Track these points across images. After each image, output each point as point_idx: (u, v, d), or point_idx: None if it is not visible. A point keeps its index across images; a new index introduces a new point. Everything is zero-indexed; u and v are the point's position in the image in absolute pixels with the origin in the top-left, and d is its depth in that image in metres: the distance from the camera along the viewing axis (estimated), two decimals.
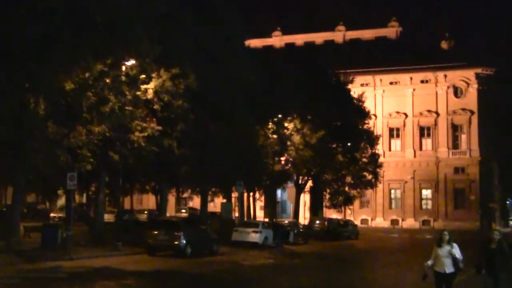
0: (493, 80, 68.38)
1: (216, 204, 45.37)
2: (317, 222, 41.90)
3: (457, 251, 11.33)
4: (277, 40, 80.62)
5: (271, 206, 46.21)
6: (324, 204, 50.04)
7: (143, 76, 24.11)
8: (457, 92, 67.40)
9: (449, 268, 11.30)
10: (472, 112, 66.42)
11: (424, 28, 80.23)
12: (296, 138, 40.02)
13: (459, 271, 11.49)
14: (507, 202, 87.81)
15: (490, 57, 69.58)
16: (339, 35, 79.68)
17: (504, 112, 70.95)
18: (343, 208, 54.12)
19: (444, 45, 73.07)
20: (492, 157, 69.82)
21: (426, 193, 67.83)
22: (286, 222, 38.16)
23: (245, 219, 38.96)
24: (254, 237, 30.04)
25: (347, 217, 55.70)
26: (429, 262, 11.50)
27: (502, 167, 77.72)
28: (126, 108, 23.24)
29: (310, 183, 46.69)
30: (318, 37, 79.50)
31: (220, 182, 33.72)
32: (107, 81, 22.37)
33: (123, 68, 23.22)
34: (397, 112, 68.49)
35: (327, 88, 42.66)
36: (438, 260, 11.38)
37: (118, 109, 22.71)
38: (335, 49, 74.40)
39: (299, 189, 45.47)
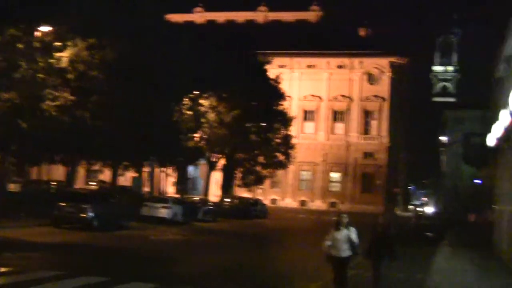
0: (405, 68, 71.37)
1: (127, 178, 45.10)
2: (227, 200, 42.78)
3: (354, 235, 11.29)
4: (198, 16, 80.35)
5: (182, 183, 46.57)
6: (235, 183, 50.85)
7: (58, 43, 23.70)
8: (371, 79, 69.83)
9: (345, 252, 11.27)
10: (384, 99, 69.08)
11: (344, 14, 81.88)
12: (211, 115, 40.40)
13: (355, 255, 11.51)
14: (410, 188, 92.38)
15: (404, 47, 72.40)
16: (260, 15, 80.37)
17: (414, 101, 74.34)
18: (254, 188, 55.20)
19: (361, 32, 75.30)
20: (400, 144, 73.13)
21: (336, 176, 70.18)
22: (197, 199, 38.71)
23: (156, 194, 39.11)
24: (163, 212, 30.40)
25: (258, 197, 56.86)
26: (328, 243, 11.36)
27: (408, 154, 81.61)
28: (38, 75, 22.82)
29: (222, 161, 47.26)
30: (240, 16, 79.87)
31: (131, 156, 33.65)
32: (19, 46, 21.88)
33: (37, 34, 22.74)
34: (312, 95, 70.27)
35: (244, 67, 43.11)
36: (336, 243, 11.28)
37: (30, 76, 22.28)
38: (256, 28, 74.98)
39: (211, 167, 45.98)
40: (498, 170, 36.58)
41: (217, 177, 51.50)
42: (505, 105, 28.25)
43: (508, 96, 26.95)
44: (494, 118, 34.68)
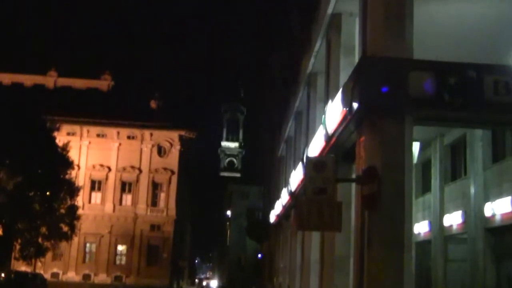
0: (194, 143, 73.76)
1: None
2: (2, 275, 39.76)
3: None
4: None
5: None
6: (13, 255, 47.42)
7: None
8: (161, 151, 70.76)
9: None
10: (172, 172, 70.19)
11: (135, 85, 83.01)
12: None
13: None
14: (196, 261, 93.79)
15: (193, 122, 75.19)
16: (50, 80, 77.97)
17: (203, 175, 76.81)
18: (33, 261, 51.88)
19: (153, 104, 76.45)
20: (186, 216, 74.41)
21: (121, 248, 68.80)
22: None
23: None
24: None
25: (38, 270, 53.47)
26: None
27: (193, 226, 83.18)
28: None
29: (0, 232, 44.00)
30: (28, 79, 76.62)
31: None
32: None
33: None
34: (101, 165, 69.07)
35: (30, 133, 41.41)
36: None
37: None
38: (44, 94, 72.52)
39: None
40: (277, 245, 39.04)
41: None
42: (285, 183, 30.71)
43: (288, 175, 29.38)
44: (276, 195, 37.33)
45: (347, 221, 13.48)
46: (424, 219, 25.92)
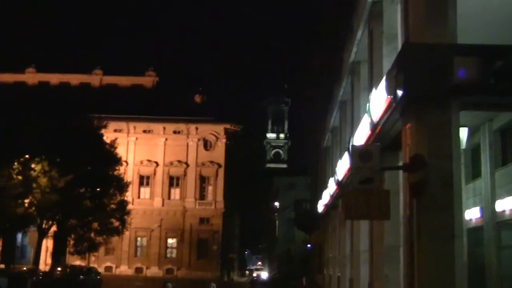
0: (239, 135, 74.12)
1: None
2: (59, 269, 40.91)
3: None
4: (30, 77, 77.73)
5: (9, 252, 43.74)
6: (68, 250, 48.73)
7: None
8: (207, 145, 71.42)
9: None
10: (219, 165, 70.75)
11: (179, 81, 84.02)
12: (43, 180, 38.85)
13: None
14: (245, 252, 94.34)
15: (238, 115, 75.61)
16: (95, 78, 79.56)
17: (249, 167, 77.04)
18: (87, 255, 53.14)
19: (197, 99, 77.25)
20: (234, 209, 74.92)
21: (172, 242, 69.88)
22: (25, 269, 36.61)
23: None
24: None
25: (91, 264, 54.79)
26: None
27: (242, 219, 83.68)
28: None
29: (54, 228, 45.24)
30: (74, 78, 78.45)
31: None
32: None
33: None
34: (149, 160, 70.17)
35: (79, 131, 42.35)
36: None
37: None
38: (91, 92, 74.07)
39: (42, 234, 43.78)
40: (326, 235, 38.99)
41: (48, 244, 49.06)
42: (332, 173, 30.66)
43: (334, 165, 29.33)
44: (323, 185, 37.28)
45: (396, 210, 13.45)
46: (475, 205, 25.46)
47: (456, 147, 11.34)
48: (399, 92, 11.58)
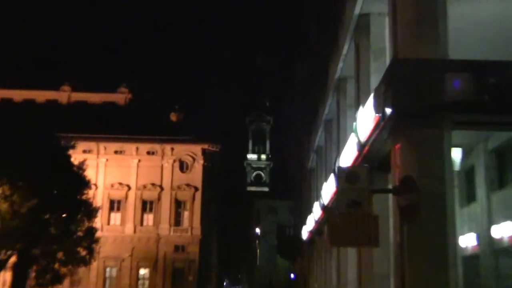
0: (218, 156, 74.00)
1: None
2: None
3: None
4: None
5: None
6: (28, 284, 47.91)
7: None
8: (183, 166, 71.09)
9: None
10: (196, 188, 70.36)
11: (154, 98, 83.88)
12: (3, 205, 38.31)
13: None
14: (224, 283, 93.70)
15: (217, 134, 75.58)
16: (63, 95, 79.19)
17: (228, 190, 76.97)
18: None
19: (173, 117, 77.11)
20: (212, 236, 74.55)
21: (144, 272, 69.03)
22: None
23: None
24: None
25: None
26: None
27: (220, 246, 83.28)
28: None
29: (14, 258, 44.47)
30: (40, 95, 77.92)
31: None
32: None
33: None
34: (120, 184, 69.64)
35: (43, 152, 41.91)
36: None
37: None
38: (58, 110, 73.51)
39: (0, 266, 43.04)
40: (311, 264, 38.89)
41: (5, 277, 48.23)
42: (317, 197, 30.66)
43: (319, 188, 29.34)
44: (307, 210, 37.26)
45: (386, 237, 13.46)
46: (470, 231, 25.53)
47: (449, 168, 11.39)
48: (388, 110, 11.63)
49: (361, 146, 14.53)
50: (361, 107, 14.63)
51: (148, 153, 71.03)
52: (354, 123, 14.94)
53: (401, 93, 11.29)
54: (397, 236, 12.01)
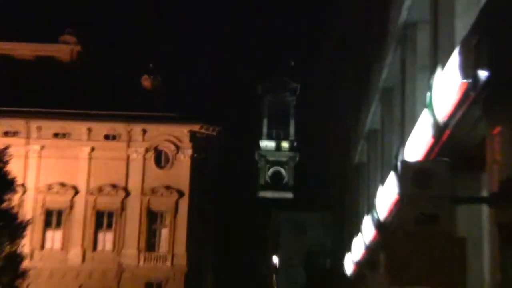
0: (215, 144, 73.69)
1: None
2: None
3: None
4: None
5: None
6: None
7: None
8: (160, 158, 71.16)
9: None
10: (181, 193, 70.30)
11: (116, 51, 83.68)
12: None
13: None
14: None
15: (213, 110, 75.51)
16: None
17: (222, 196, 76.89)
18: None
19: (146, 82, 76.99)
20: (205, 266, 74.57)
21: None
22: None
23: None
24: None
25: None
26: None
27: (217, 282, 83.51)
28: None
29: None
30: None
31: None
32: None
33: None
34: (62, 185, 69.72)
35: None
36: None
37: None
38: None
39: None
40: None
41: None
42: (368, 208, 30.41)
43: (371, 194, 29.10)
44: (353, 228, 37.04)
45: (477, 270, 13.46)
46: None
47: None
48: (482, 74, 11.29)
49: (438, 130, 14.25)
50: (439, 69, 14.38)
51: (107, 137, 71.12)
52: (428, 94, 14.66)
53: (504, 45, 10.94)
54: (495, 270, 11.85)
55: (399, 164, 15.81)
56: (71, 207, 70.01)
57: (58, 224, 70.09)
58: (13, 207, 48.86)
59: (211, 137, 73.29)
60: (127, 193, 70.37)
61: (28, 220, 53.27)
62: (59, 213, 70.18)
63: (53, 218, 70.11)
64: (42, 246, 68.88)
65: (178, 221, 70.44)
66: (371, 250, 29.80)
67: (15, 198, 50.43)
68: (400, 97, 23.48)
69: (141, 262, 69.70)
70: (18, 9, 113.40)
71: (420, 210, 11.59)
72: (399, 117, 23.37)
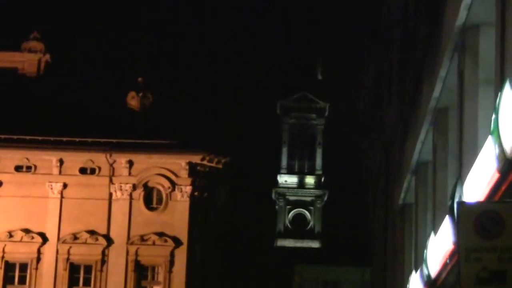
0: (220, 179, 73.70)
1: None
2: None
3: None
4: None
5: None
6: None
7: None
8: (151, 198, 71.43)
9: None
10: (177, 242, 70.39)
11: (95, 60, 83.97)
12: None
13: None
14: None
15: (218, 137, 75.59)
16: None
17: (232, 244, 76.94)
18: None
19: (132, 101, 77.05)
20: None
21: None
22: None
23: None
24: None
25: None
26: None
27: None
28: None
29: None
30: None
31: None
32: None
33: None
34: (26, 231, 69.88)
35: None
36: None
37: None
38: None
39: None
40: None
41: None
42: (416, 262, 30.30)
43: (420, 244, 29.01)
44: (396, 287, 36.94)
45: None
46: None
47: None
48: None
49: (506, 163, 14.14)
50: (507, 85, 14.31)
51: (83, 170, 71.31)
52: (493, 117, 14.57)
53: None
54: None
55: (456, 206, 15.72)
56: (38, 259, 70.16)
57: (22, 281, 70.22)
58: None
59: (217, 170, 73.34)
60: (110, 242, 70.45)
61: None
62: (23, 267, 70.33)
63: (15, 273, 70.33)
64: None
65: (174, 277, 70.53)
66: None
67: None
68: (457, 120, 23.34)
69: None
70: None
71: (484, 266, 11.49)
72: (456, 146, 23.23)
